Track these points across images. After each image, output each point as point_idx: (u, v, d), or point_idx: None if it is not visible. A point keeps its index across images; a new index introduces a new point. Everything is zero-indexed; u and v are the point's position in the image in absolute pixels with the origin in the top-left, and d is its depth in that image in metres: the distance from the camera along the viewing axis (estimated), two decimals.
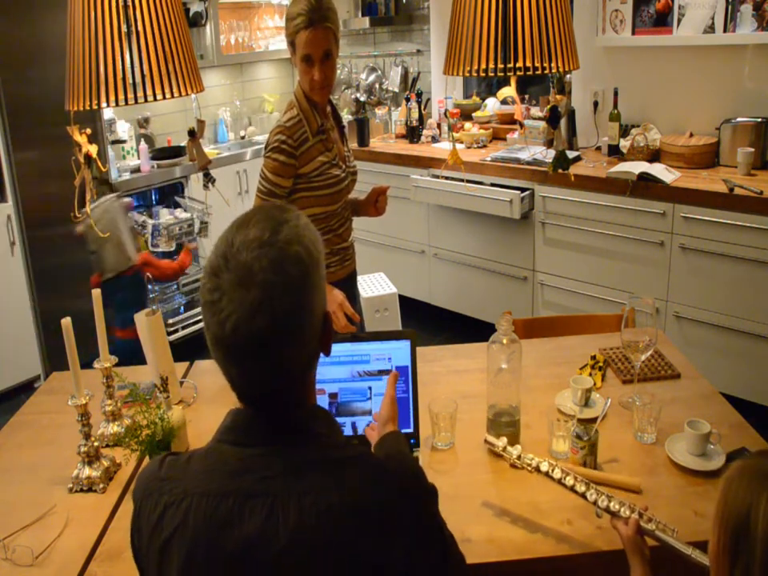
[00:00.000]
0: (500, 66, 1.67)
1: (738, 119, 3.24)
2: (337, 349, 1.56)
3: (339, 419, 1.55)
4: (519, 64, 1.67)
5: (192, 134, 2.06)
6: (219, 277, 0.87)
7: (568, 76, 3.80)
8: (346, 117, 4.54)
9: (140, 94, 1.59)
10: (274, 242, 0.87)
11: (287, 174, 2.03)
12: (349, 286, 2.28)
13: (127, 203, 3.11)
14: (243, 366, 0.88)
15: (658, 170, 3.17)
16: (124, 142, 4.22)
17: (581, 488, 1.26)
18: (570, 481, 1.28)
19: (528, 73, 1.69)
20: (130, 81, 1.57)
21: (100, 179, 3.64)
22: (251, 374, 0.89)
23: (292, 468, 0.89)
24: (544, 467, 1.31)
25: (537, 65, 1.68)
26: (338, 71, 4.82)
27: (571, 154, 3.46)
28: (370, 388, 1.57)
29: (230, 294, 0.85)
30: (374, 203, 2.28)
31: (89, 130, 1.85)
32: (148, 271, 2.96)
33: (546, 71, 1.70)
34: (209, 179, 2.15)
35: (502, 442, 1.39)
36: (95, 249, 2.88)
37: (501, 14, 1.65)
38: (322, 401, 1.55)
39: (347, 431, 1.54)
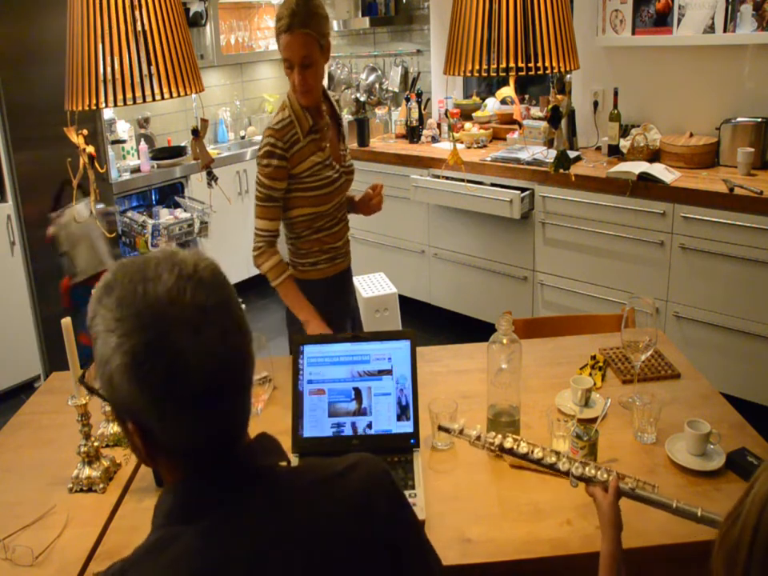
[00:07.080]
0: (501, 65, 1.67)
1: (738, 119, 3.24)
2: (337, 349, 1.57)
3: (332, 419, 1.55)
4: (520, 64, 1.67)
5: (195, 132, 2.06)
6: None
7: (568, 76, 3.79)
8: (346, 117, 4.54)
9: (140, 93, 1.59)
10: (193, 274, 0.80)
11: (281, 177, 2.05)
12: (340, 283, 2.28)
13: (106, 209, 3.04)
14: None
15: (658, 170, 3.17)
16: (124, 141, 4.22)
17: (550, 459, 1.18)
18: (538, 453, 1.19)
19: (530, 73, 1.69)
20: (134, 80, 1.57)
21: (98, 179, 3.64)
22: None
23: (263, 539, 0.80)
24: (508, 443, 1.22)
25: (530, 65, 1.68)
26: (338, 71, 4.83)
27: (571, 154, 3.45)
28: (354, 389, 1.56)
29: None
30: (369, 202, 2.28)
31: (85, 131, 1.85)
32: None
33: (548, 71, 1.70)
34: (211, 177, 2.16)
35: (458, 425, 1.29)
36: (67, 250, 2.83)
37: (489, 15, 1.65)
38: (323, 401, 1.55)
39: (347, 431, 1.54)
